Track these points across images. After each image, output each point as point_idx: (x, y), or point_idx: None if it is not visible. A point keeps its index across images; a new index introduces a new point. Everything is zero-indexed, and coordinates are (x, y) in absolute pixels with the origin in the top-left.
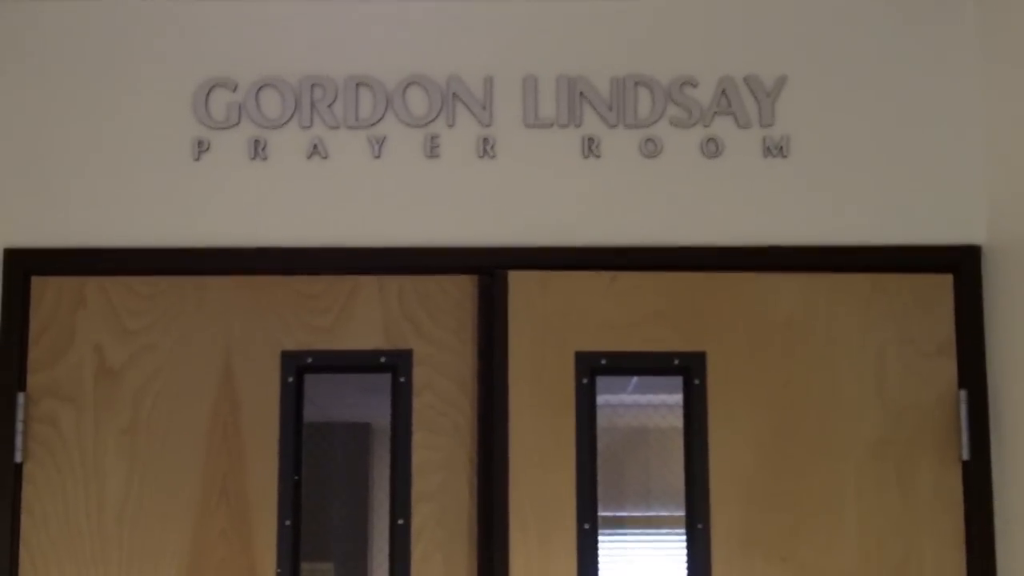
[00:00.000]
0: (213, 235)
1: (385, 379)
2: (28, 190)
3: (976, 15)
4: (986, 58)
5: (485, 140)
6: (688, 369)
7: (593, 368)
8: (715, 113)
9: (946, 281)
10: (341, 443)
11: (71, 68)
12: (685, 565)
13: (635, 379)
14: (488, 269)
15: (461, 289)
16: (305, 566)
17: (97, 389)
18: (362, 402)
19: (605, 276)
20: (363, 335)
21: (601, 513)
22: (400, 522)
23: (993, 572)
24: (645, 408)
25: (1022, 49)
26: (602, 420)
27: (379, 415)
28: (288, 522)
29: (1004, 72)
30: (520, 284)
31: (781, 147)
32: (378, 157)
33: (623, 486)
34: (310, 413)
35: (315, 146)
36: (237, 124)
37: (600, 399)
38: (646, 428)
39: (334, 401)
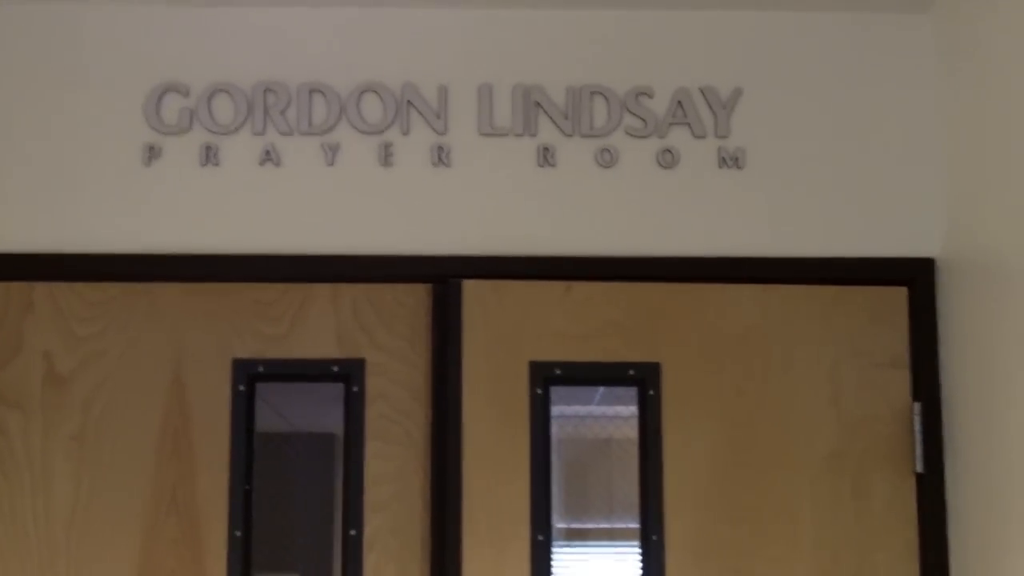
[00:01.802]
0: (164, 241)
1: None
2: None
3: (933, 30)
4: (942, 72)
5: (440, 148)
6: (643, 380)
7: (547, 378)
8: (671, 124)
9: (900, 294)
10: (305, 453)
11: (21, 72)
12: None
13: (601, 390)
14: (442, 278)
15: (415, 298)
16: None
17: (45, 396)
18: (325, 412)
19: (560, 286)
20: (316, 344)
21: (565, 525)
22: (352, 532)
23: None
24: (611, 420)
25: (978, 64)
26: (567, 431)
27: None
28: (239, 532)
29: (960, 86)
30: (474, 293)
31: (736, 158)
32: (331, 164)
33: (588, 498)
34: (274, 423)
35: (268, 153)
36: (189, 130)
37: (566, 410)
38: (612, 440)
39: (298, 411)
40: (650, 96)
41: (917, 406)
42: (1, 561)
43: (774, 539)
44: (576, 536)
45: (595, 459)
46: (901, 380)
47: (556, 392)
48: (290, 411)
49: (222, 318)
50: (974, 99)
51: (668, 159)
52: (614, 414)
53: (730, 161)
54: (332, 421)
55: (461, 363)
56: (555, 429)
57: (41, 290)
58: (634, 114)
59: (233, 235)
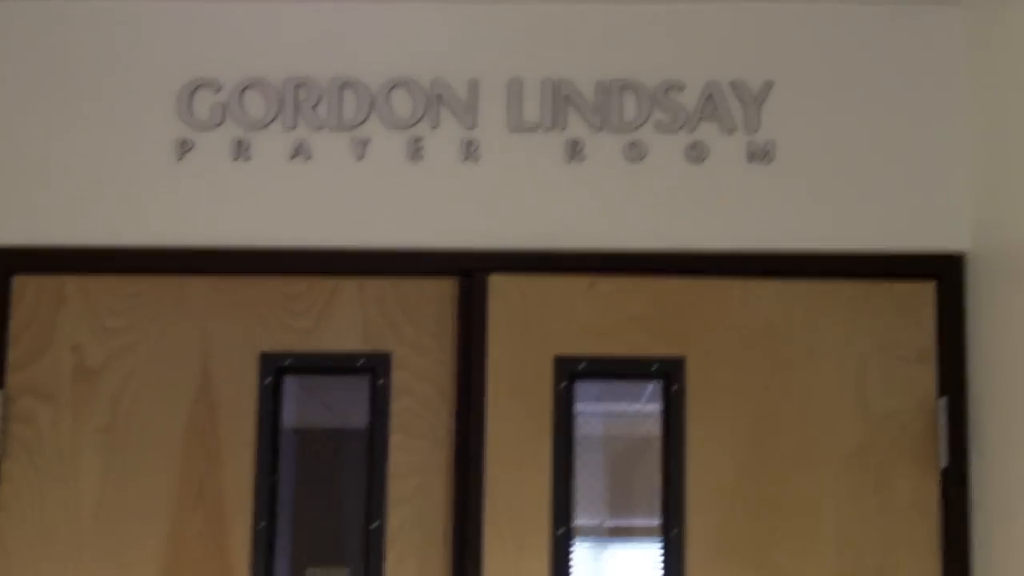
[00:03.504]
0: (194, 235)
1: None
2: (10, 188)
3: (964, 24)
4: (972, 65)
5: (469, 143)
6: (667, 374)
7: (572, 373)
8: (700, 118)
9: (928, 288)
10: (353, 447)
11: (54, 67)
12: (661, 571)
13: (650, 388)
14: (469, 272)
15: (441, 292)
16: (319, 571)
17: (75, 388)
18: None
19: (585, 280)
20: (342, 337)
21: (609, 523)
22: (375, 525)
23: None
24: (651, 417)
25: (1008, 57)
26: (614, 430)
27: None
28: (264, 524)
29: (990, 79)
30: (500, 288)
31: (766, 152)
32: (361, 159)
33: (635, 495)
34: (322, 418)
35: (298, 147)
36: (220, 124)
37: (613, 407)
38: (652, 437)
39: (348, 407)
40: (680, 90)
41: (943, 401)
42: (30, 551)
43: (797, 534)
44: (624, 534)
45: (632, 456)
46: (927, 375)
47: (603, 390)
48: (339, 406)
49: (250, 311)
50: (1005, 92)
51: (697, 153)
52: (636, 411)
53: (760, 155)
54: None
55: (486, 357)
56: (598, 426)
57: (73, 283)
58: (664, 108)
59: (263, 229)
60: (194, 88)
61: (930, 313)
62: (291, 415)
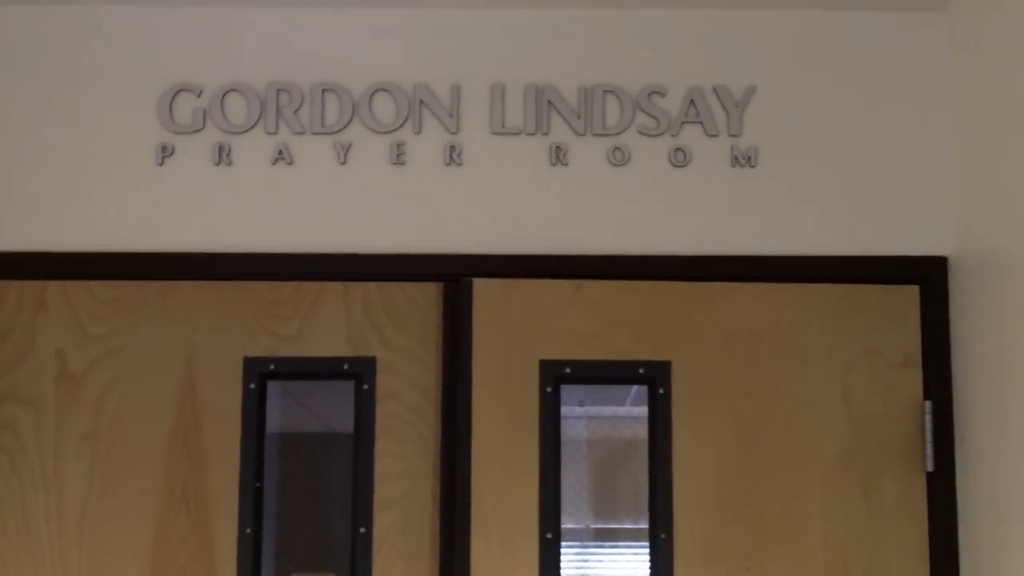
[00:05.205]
0: (177, 240)
1: None
2: None
3: (947, 30)
4: (955, 70)
5: (452, 147)
6: (653, 378)
7: (558, 377)
8: (683, 122)
9: (913, 292)
10: (340, 454)
11: (35, 72)
12: (649, 575)
13: (633, 392)
14: (453, 277)
15: (426, 296)
16: None
17: (58, 394)
18: None
19: (571, 284)
20: (327, 342)
21: (596, 525)
22: (362, 530)
23: None
24: (637, 420)
25: (993, 62)
26: (600, 433)
27: None
28: (249, 530)
29: (975, 84)
30: (485, 292)
31: (749, 157)
32: (344, 163)
33: (620, 498)
34: (307, 423)
35: (280, 152)
36: (202, 129)
37: (597, 411)
38: (637, 441)
39: (331, 412)
40: (663, 95)
41: (928, 405)
42: (14, 558)
43: (784, 538)
44: (609, 536)
45: (617, 460)
46: (912, 379)
47: (588, 393)
48: (325, 412)
49: (234, 316)
50: (989, 97)
51: (681, 158)
52: (620, 415)
53: (743, 160)
54: None
55: (471, 361)
56: (582, 430)
57: (54, 288)
58: (647, 113)
59: (245, 234)
60: (175, 93)
61: (915, 317)
62: (276, 420)
